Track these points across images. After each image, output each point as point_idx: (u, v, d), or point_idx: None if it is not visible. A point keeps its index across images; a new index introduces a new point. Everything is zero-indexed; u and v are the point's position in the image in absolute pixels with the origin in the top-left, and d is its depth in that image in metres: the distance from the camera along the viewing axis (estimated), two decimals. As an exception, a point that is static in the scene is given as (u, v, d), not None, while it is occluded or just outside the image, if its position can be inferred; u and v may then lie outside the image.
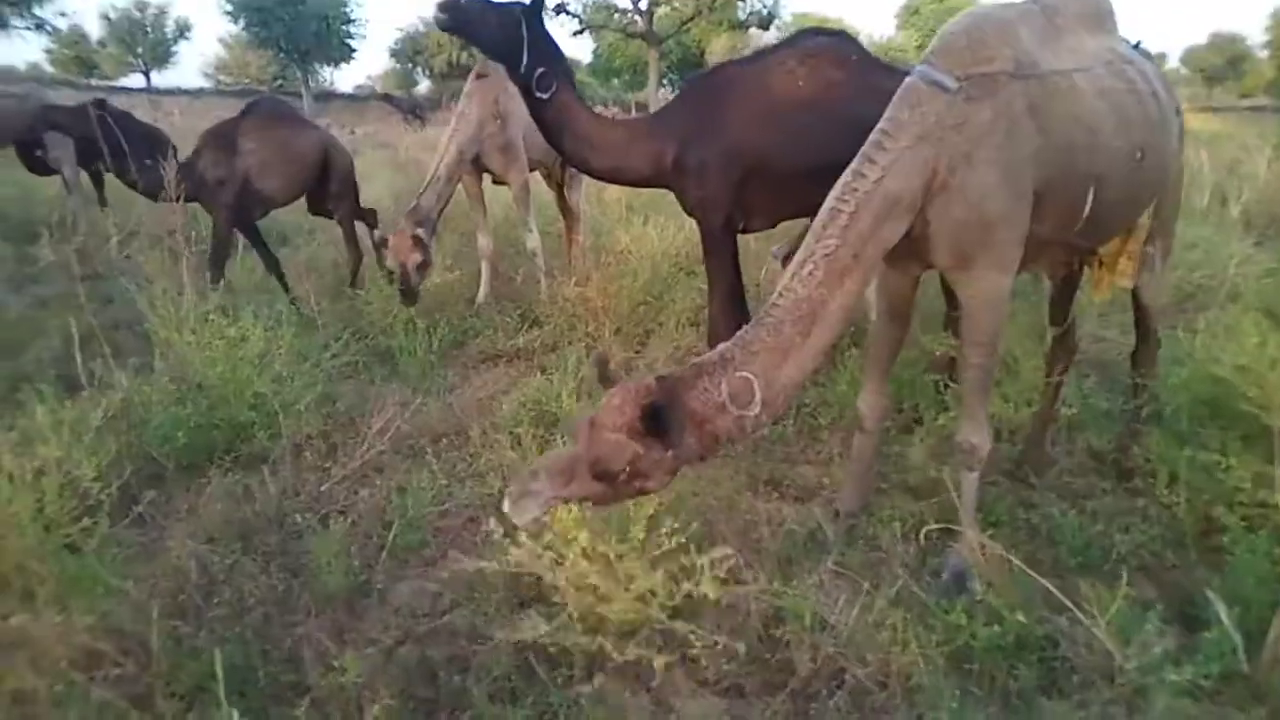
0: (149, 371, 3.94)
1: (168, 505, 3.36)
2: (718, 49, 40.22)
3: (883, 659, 2.33)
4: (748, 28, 20.56)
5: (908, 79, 2.73)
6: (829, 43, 4.14)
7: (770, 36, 39.83)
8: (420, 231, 5.63)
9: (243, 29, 30.06)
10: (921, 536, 2.79)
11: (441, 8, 3.69)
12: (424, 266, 5.71)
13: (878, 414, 3.22)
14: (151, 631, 2.35)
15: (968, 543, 2.86)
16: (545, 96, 3.87)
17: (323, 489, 3.43)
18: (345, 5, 30.36)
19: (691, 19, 19.09)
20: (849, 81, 3.94)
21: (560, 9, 20.01)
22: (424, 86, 53.33)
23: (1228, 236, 6.40)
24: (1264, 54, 49.32)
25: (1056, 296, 3.70)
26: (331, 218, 6.92)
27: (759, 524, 3.16)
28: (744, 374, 2.44)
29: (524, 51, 3.77)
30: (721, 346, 2.54)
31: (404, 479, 3.51)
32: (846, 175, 2.59)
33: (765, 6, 19.58)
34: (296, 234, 9.01)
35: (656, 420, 2.25)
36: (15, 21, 29.17)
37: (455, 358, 5.32)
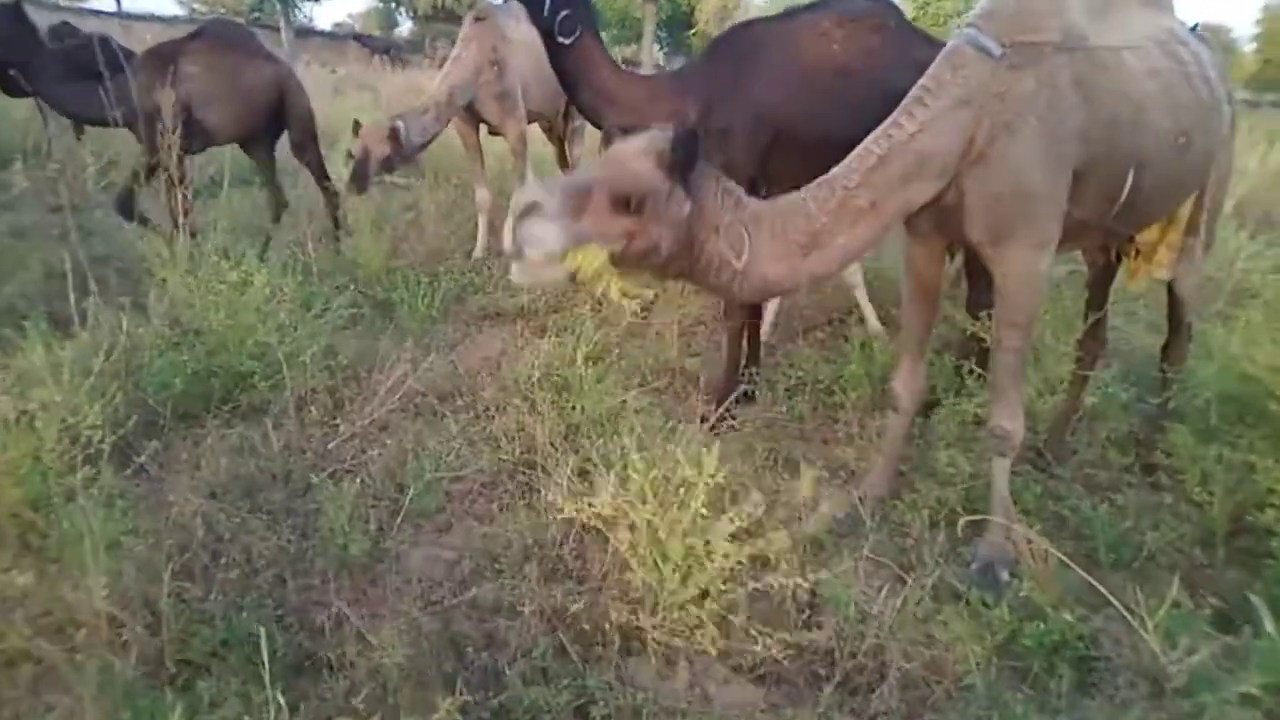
0: (142, 312, 3.75)
1: (166, 455, 3.20)
2: (708, 8, 39.65)
3: (931, 653, 2.26)
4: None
5: (952, 41, 2.67)
6: (868, 6, 3.93)
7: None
8: (399, 125, 5.55)
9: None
10: (958, 528, 2.70)
11: None
12: (387, 162, 5.63)
13: (913, 394, 3.16)
14: (161, 593, 2.22)
15: (998, 532, 2.81)
16: (568, 42, 3.67)
17: (330, 446, 3.28)
18: (331, -62, 29.24)
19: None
20: (886, 50, 3.77)
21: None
22: (405, 28, 52.04)
23: (1225, 232, 6.35)
24: (1250, 47, 49.49)
25: (1093, 284, 3.63)
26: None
27: (780, 505, 3.08)
28: (743, 228, 2.43)
29: None
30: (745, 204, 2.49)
31: (413, 440, 3.37)
32: (884, 124, 2.55)
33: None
34: (300, 172, 8.71)
35: (683, 147, 2.23)
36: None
37: (456, 314, 5.16)
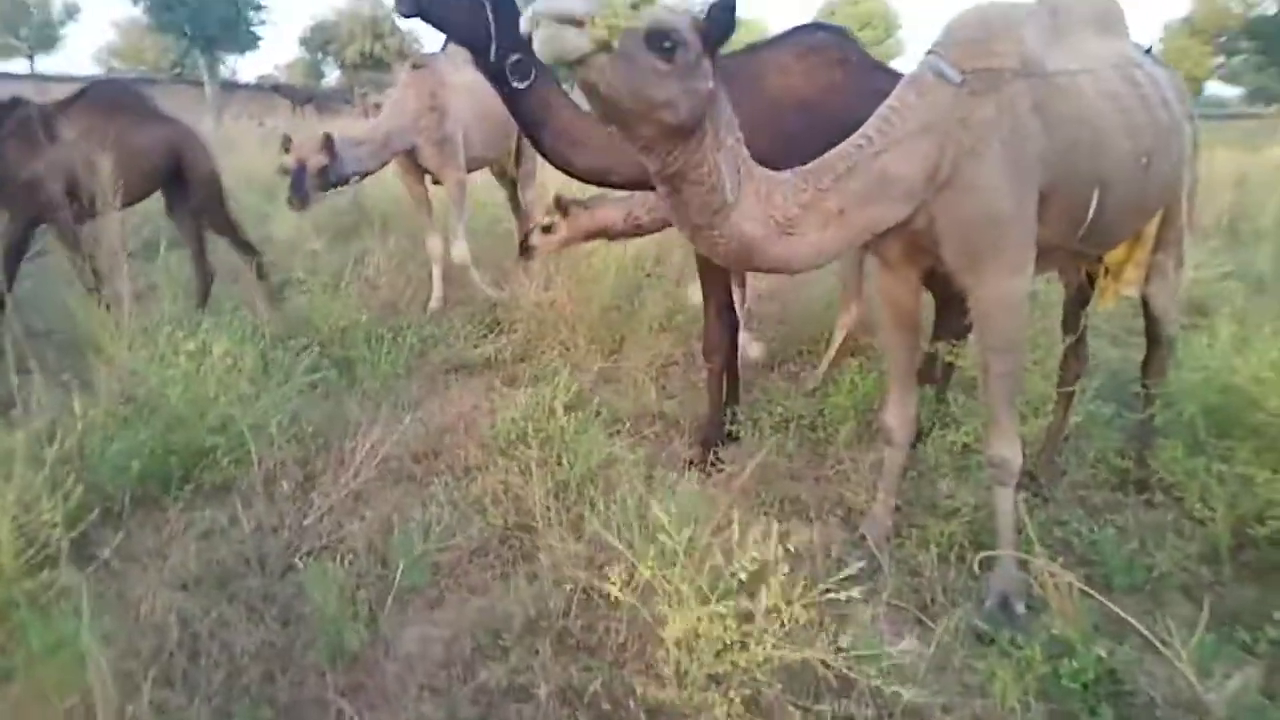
0: (89, 390, 3.52)
1: (127, 546, 2.97)
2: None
3: (971, 704, 2.18)
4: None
5: (915, 68, 2.70)
6: (829, 40, 3.90)
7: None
8: (333, 135, 5.45)
9: (144, 13, 28.25)
10: (967, 562, 2.64)
11: None
12: (324, 174, 5.47)
13: (906, 426, 3.12)
14: (141, 705, 2.02)
15: (1010, 564, 2.76)
16: (522, 86, 3.57)
17: (305, 523, 3.08)
18: (254, -10, 28.97)
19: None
20: (849, 83, 3.72)
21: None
22: (333, 78, 51.64)
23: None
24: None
25: (1068, 305, 3.66)
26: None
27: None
28: (742, 165, 2.38)
29: (491, 36, 3.42)
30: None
31: (392, 509, 3.20)
32: (854, 134, 2.56)
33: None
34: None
35: (720, 17, 2.16)
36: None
37: (419, 369, 4.98)
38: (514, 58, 3.47)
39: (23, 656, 2.06)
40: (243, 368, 3.53)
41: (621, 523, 2.63)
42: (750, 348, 4.98)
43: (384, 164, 6.10)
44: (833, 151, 2.54)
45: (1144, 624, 2.27)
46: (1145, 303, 3.53)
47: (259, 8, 30.16)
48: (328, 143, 5.48)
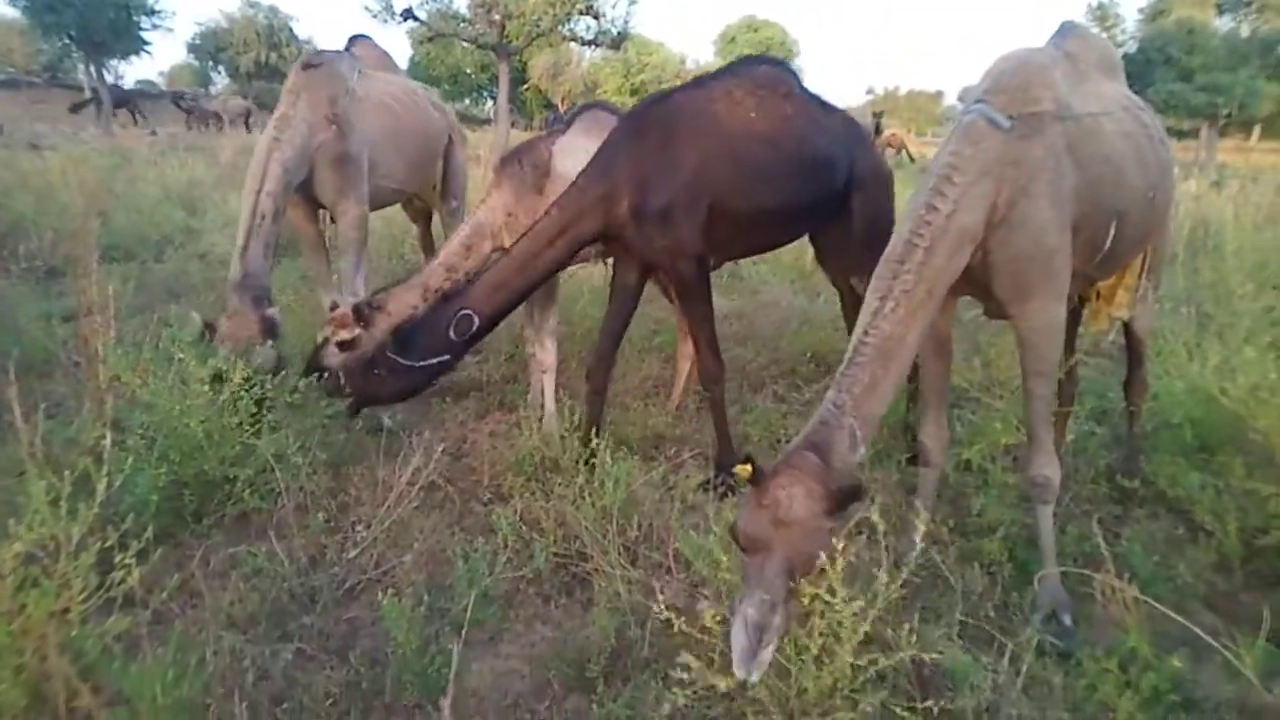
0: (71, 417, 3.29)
1: (155, 584, 2.78)
2: (539, 65, 40.20)
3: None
4: (598, 45, 20.59)
5: (967, 116, 2.82)
6: (775, 73, 3.99)
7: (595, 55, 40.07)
8: (270, 311, 3.90)
9: (23, 13, 26.43)
10: (1036, 581, 2.77)
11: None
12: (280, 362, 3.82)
13: (941, 446, 3.24)
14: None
15: (1055, 578, 2.90)
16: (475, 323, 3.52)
17: (350, 556, 2.96)
18: (146, -7, 27.49)
19: (544, 34, 18.88)
20: (799, 116, 3.88)
21: (408, 15, 19.14)
22: (220, 86, 49.63)
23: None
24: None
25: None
26: None
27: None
28: (851, 421, 2.43)
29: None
30: (832, 394, 2.48)
31: (436, 539, 3.11)
32: (919, 209, 2.65)
33: (615, 27, 19.68)
34: (165, 245, 8.02)
35: (850, 496, 2.19)
36: None
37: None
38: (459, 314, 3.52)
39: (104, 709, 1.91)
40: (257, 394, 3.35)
41: (696, 549, 2.65)
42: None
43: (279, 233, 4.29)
44: (897, 241, 2.63)
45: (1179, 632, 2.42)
46: (1127, 325, 3.77)
47: (153, 12, 28.65)
48: (266, 325, 3.87)
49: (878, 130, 27.79)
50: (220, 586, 2.77)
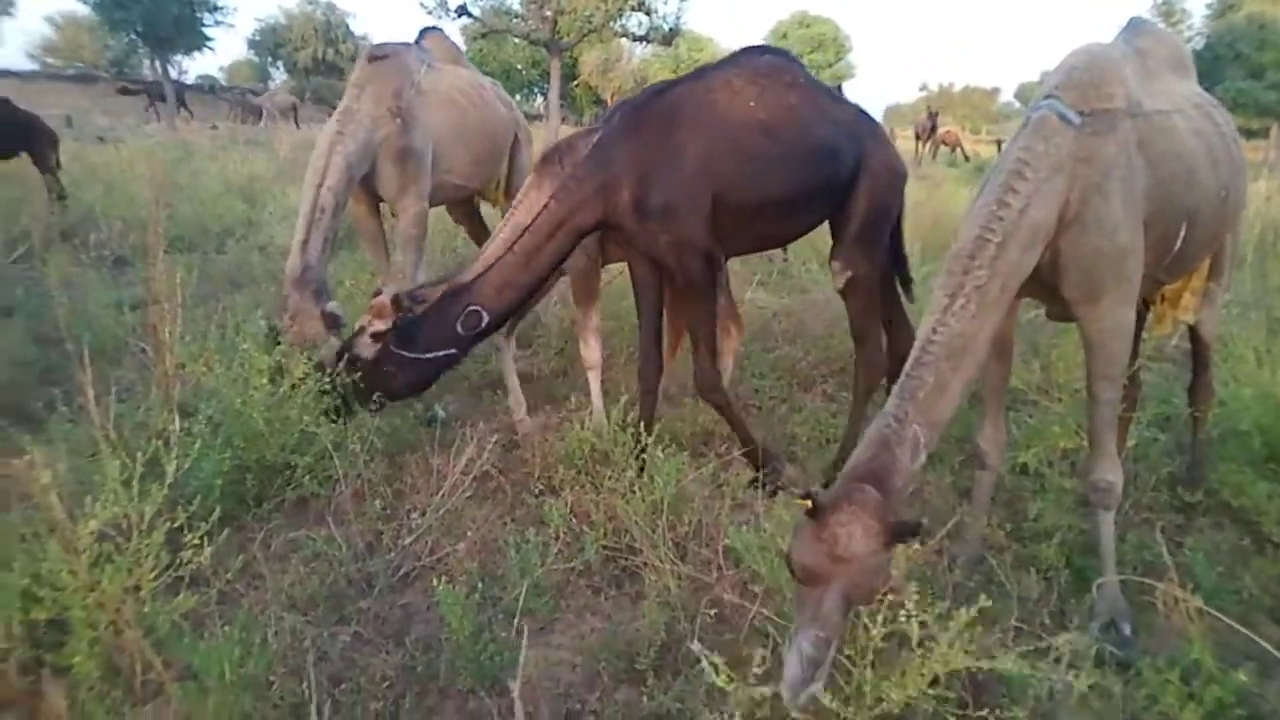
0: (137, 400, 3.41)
1: (219, 564, 2.87)
2: (590, 61, 40.30)
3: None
4: (650, 41, 20.58)
5: (1038, 112, 2.74)
6: (779, 63, 3.84)
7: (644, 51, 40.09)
8: (329, 306, 3.91)
9: (93, 10, 27.32)
10: (1094, 588, 2.72)
11: None
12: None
13: (999, 449, 3.19)
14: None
15: (1114, 586, 2.84)
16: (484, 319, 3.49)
17: (405, 543, 3.02)
18: (210, -10, 28.25)
19: (596, 30, 18.95)
20: (804, 106, 3.72)
21: (462, 11, 19.36)
22: (277, 81, 50.63)
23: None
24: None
25: (1130, 333, 3.78)
26: None
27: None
28: (915, 427, 2.38)
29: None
30: (893, 403, 2.42)
31: (488, 528, 3.15)
32: (990, 204, 2.59)
33: (667, 23, 19.65)
34: (226, 237, 8.23)
35: (907, 532, 2.15)
36: None
37: (454, 386, 4.90)
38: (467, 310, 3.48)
39: (178, 684, 1.98)
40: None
41: (748, 545, 2.65)
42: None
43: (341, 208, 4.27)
44: (967, 236, 2.57)
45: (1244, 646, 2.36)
46: (1193, 329, 3.67)
47: (216, 8, 29.39)
48: (330, 321, 3.93)
49: (933, 128, 27.34)
50: (281, 569, 2.85)
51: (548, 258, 3.47)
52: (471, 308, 3.43)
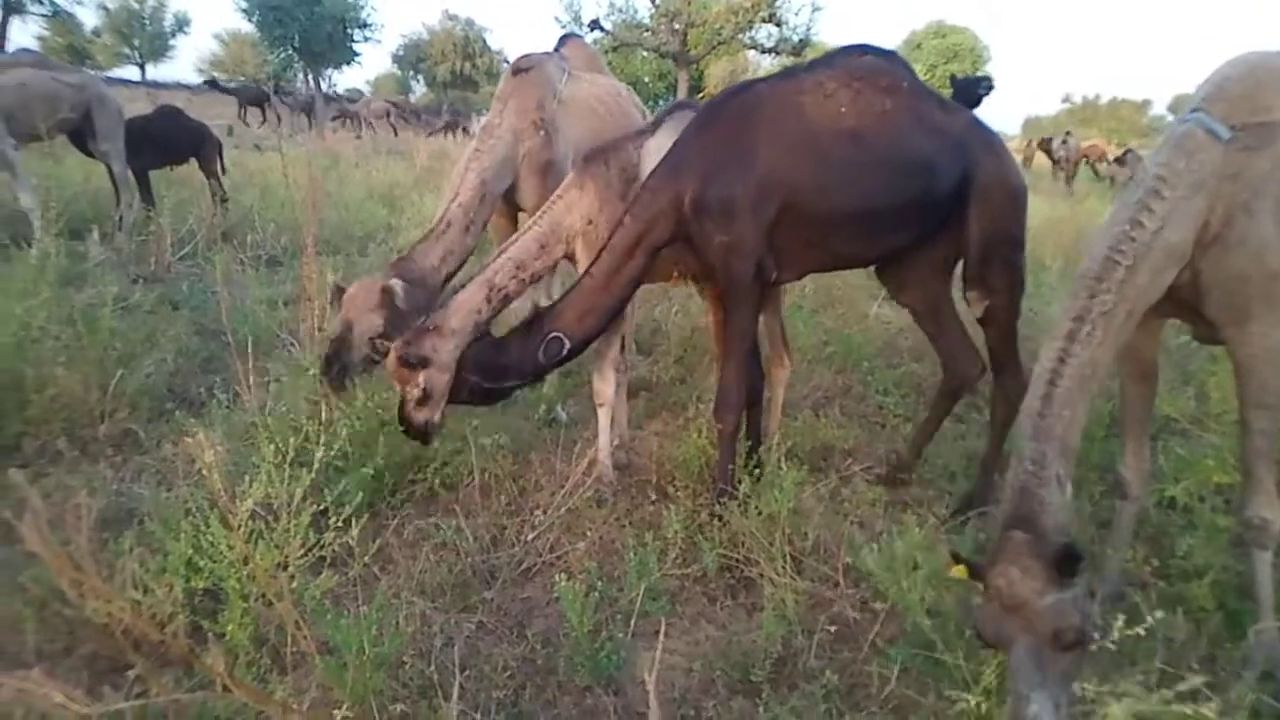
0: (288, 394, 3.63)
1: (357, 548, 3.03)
2: (716, 73, 40.39)
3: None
4: (779, 53, 20.44)
5: (1182, 126, 2.59)
6: (878, 64, 3.52)
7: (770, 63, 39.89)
8: (393, 282, 3.71)
9: (256, 27, 29.50)
10: (1250, 634, 2.53)
11: None
12: (378, 340, 3.61)
13: (1142, 479, 3.03)
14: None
15: (1274, 633, 2.64)
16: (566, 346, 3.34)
17: (528, 539, 3.11)
18: (360, 8, 29.92)
19: (725, 42, 19.01)
20: (901, 112, 3.41)
21: (595, 25, 19.82)
22: (418, 94, 53.02)
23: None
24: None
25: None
26: None
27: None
28: (1057, 464, 2.28)
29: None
30: (1030, 447, 2.31)
31: (609, 530, 3.21)
32: (1123, 224, 2.46)
33: (797, 34, 19.47)
34: (368, 241, 8.69)
35: (1070, 558, 2.08)
36: (33, 7, 28.33)
37: (574, 391, 4.99)
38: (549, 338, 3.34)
39: (316, 658, 2.11)
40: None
41: (873, 563, 2.59)
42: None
43: (483, 227, 4.28)
44: (1096, 257, 2.45)
45: None
46: None
47: (365, 25, 31.19)
48: (385, 296, 3.70)
49: (1063, 152, 25.82)
50: (411, 555, 2.99)
51: (628, 277, 3.31)
52: (553, 334, 3.30)
